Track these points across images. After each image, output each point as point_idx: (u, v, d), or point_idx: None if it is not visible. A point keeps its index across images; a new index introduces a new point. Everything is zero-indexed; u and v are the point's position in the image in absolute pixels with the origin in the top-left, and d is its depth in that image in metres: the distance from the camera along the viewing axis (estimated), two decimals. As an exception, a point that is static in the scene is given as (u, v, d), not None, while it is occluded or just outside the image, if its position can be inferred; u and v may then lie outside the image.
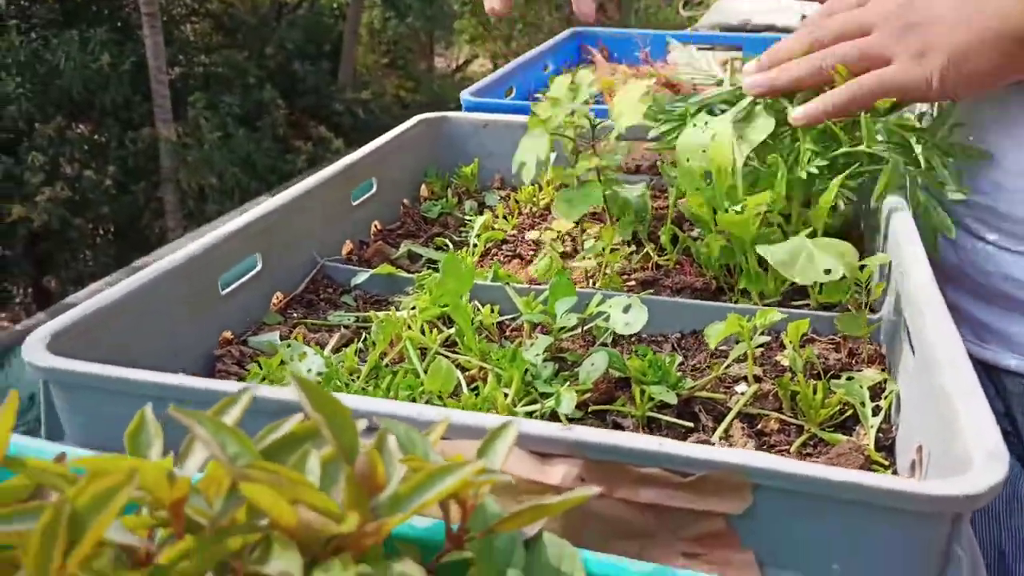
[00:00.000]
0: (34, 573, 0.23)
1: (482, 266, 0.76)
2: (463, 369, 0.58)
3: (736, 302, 0.67)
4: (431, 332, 0.60)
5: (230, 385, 0.43)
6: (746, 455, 0.36)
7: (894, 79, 0.63)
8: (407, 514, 0.26)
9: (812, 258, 0.58)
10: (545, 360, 0.57)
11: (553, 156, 0.91)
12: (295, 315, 0.66)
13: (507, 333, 0.65)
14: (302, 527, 0.26)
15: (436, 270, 0.74)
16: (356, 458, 0.28)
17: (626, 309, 0.56)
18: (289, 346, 0.52)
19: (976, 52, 0.60)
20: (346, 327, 0.63)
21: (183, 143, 6.62)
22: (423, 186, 0.94)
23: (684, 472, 0.37)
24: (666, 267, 0.73)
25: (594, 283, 0.71)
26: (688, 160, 0.59)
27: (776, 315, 0.54)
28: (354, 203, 0.79)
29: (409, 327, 0.60)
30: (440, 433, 0.32)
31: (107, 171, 6.59)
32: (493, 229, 0.83)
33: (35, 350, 0.45)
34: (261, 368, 0.52)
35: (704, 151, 0.59)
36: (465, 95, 1.01)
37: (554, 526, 0.37)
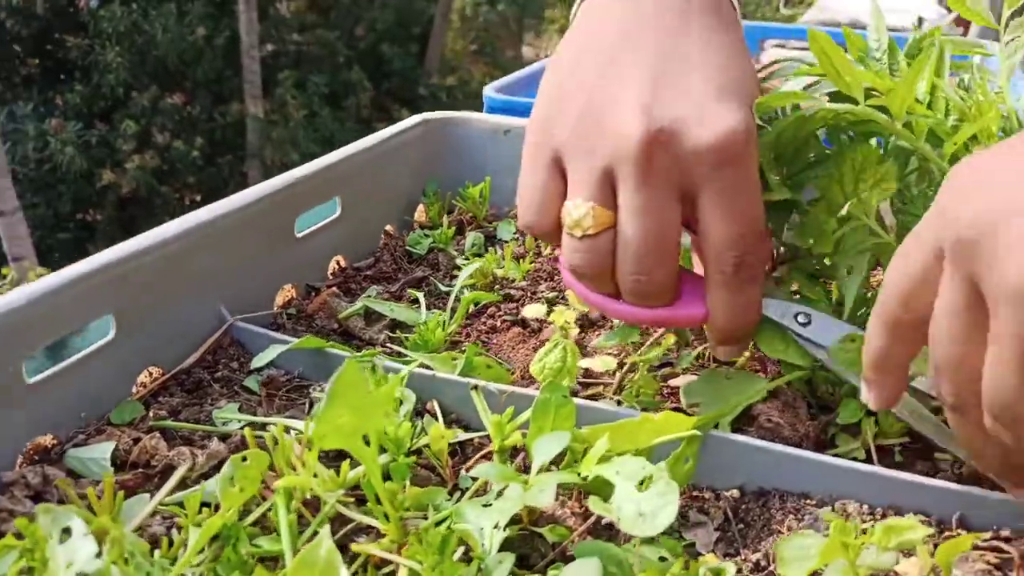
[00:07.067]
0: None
1: (461, 337, 0.54)
2: (375, 536, 0.35)
3: (836, 444, 0.43)
4: (334, 474, 0.37)
5: None
6: None
7: None
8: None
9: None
10: (508, 539, 0.35)
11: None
12: (164, 408, 0.45)
13: (471, 458, 0.43)
14: None
15: (394, 341, 0.52)
16: None
17: (642, 483, 0.32)
18: (50, 512, 0.31)
19: None
20: (222, 439, 0.42)
21: (270, 120, 6.65)
22: (420, 208, 0.72)
23: None
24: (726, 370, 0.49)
25: (616, 386, 0.48)
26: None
27: (920, 530, 0.29)
28: (299, 234, 0.57)
29: (306, 449, 0.38)
30: None
31: (195, 142, 6.69)
32: (493, 283, 0.60)
33: None
34: (19, 538, 0.31)
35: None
36: (489, 91, 0.78)
37: None
